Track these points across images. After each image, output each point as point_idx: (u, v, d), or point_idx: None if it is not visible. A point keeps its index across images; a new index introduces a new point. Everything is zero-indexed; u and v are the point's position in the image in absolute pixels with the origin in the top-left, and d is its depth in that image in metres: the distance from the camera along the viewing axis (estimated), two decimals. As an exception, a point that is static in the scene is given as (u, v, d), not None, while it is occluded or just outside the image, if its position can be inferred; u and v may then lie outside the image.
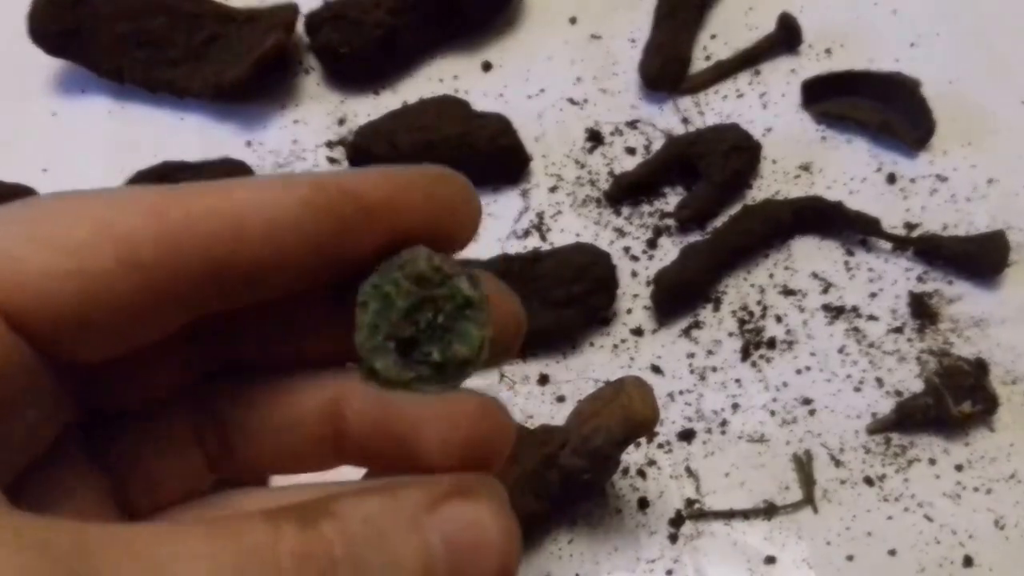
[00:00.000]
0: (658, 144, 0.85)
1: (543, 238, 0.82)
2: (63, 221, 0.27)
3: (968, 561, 0.69)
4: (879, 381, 0.75)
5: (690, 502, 0.71)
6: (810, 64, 0.90)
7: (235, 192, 0.29)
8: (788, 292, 0.79)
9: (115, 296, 0.27)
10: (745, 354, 0.76)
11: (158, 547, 0.24)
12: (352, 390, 0.32)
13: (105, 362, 0.29)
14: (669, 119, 0.87)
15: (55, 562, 0.23)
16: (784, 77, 0.89)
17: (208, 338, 0.33)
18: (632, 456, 0.72)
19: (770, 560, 0.69)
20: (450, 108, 0.84)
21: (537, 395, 0.75)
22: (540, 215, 0.83)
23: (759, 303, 0.79)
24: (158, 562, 0.24)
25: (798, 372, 0.76)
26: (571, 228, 0.82)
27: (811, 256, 0.81)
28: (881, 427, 0.73)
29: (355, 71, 0.89)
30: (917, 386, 0.74)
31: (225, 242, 0.28)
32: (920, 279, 0.79)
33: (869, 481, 0.71)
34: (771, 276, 0.80)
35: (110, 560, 0.24)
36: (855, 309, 0.78)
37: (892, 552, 0.69)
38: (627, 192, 0.83)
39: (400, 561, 0.27)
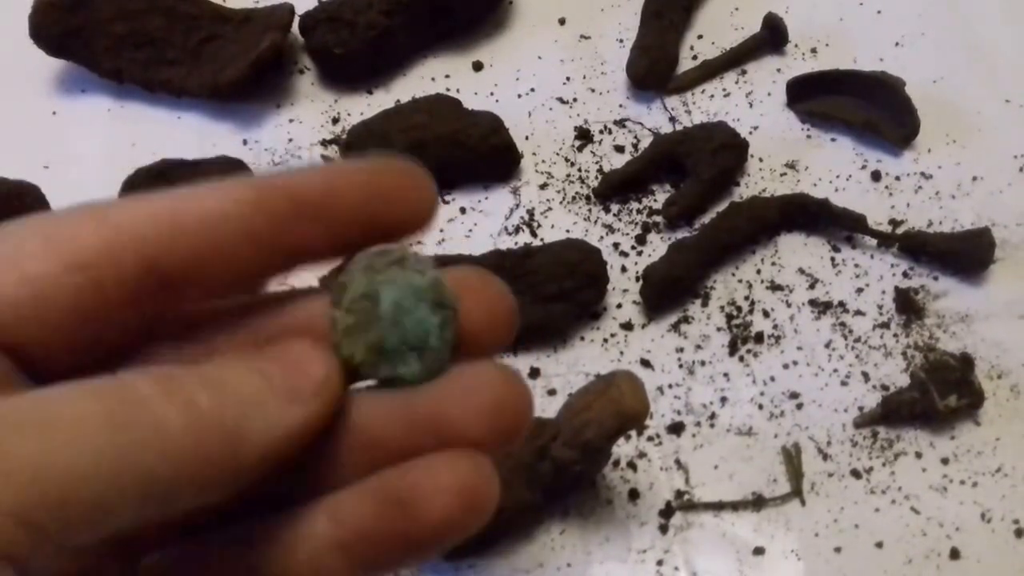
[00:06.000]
0: (646, 142, 0.83)
1: (534, 234, 0.80)
2: (11, 236, 0.29)
3: (955, 553, 0.67)
4: (865, 375, 0.73)
5: (680, 494, 0.69)
6: (795, 64, 0.88)
7: (171, 196, 0.30)
8: (775, 288, 0.77)
9: (63, 296, 0.28)
10: (733, 348, 0.74)
11: (43, 410, 0.25)
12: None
13: (72, 370, 0.29)
14: (657, 118, 0.85)
15: None
16: (770, 76, 0.88)
17: None
18: (622, 448, 0.70)
19: (758, 551, 0.67)
20: (442, 107, 0.82)
21: (529, 386, 0.72)
22: (531, 212, 0.81)
23: (747, 298, 0.77)
24: (43, 424, 0.25)
25: (785, 366, 0.74)
26: (561, 225, 0.80)
27: (798, 252, 0.79)
28: (868, 421, 0.71)
29: (349, 71, 0.87)
30: (903, 380, 0.73)
31: (158, 239, 0.29)
32: (906, 275, 0.77)
33: (856, 474, 0.70)
34: (758, 272, 0.78)
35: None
36: (841, 304, 0.76)
37: (879, 544, 0.67)
38: (616, 189, 0.81)
39: (246, 380, 0.29)
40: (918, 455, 0.70)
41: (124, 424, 0.25)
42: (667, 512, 0.68)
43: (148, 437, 0.26)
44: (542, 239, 0.79)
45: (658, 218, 0.80)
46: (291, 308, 0.32)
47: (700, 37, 0.90)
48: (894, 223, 0.79)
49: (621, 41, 0.89)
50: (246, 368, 0.29)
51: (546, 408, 0.71)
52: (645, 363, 0.74)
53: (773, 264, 0.78)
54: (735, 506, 0.69)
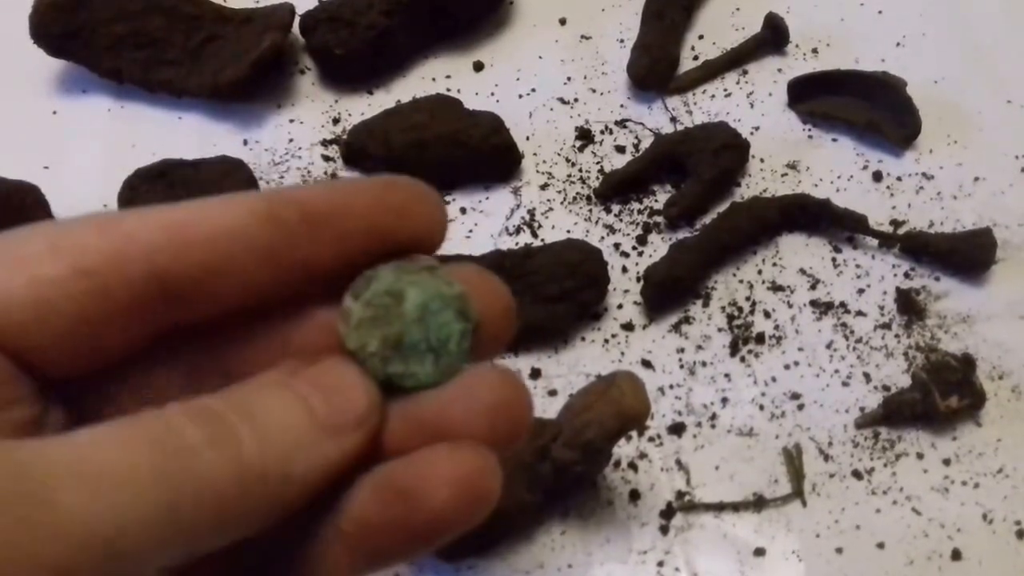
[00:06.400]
0: (647, 143, 0.83)
1: (535, 235, 0.79)
2: (19, 241, 0.28)
3: (956, 554, 0.66)
4: (867, 376, 0.73)
5: (680, 494, 0.69)
6: (796, 64, 0.88)
7: (182, 208, 0.30)
8: (776, 288, 0.76)
9: (69, 301, 0.28)
10: (734, 349, 0.74)
11: (89, 460, 0.25)
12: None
13: (78, 376, 0.30)
14: (658, 118, 0.85)
15: None
16: (771, 76, 0.87)
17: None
18: (623, 449, 0.70)
19: (759, 552, 0.67)
20: (443, 107, 0.82)
21: (529, 389, 0.72)
22: (531, 212, 0.80)
23: (748, 299, 0.76)
24: (90, 476, 0.24)
25: (786, 367, 0.73)
26: (562, 225, 0.80)
27: (799, 253, 0.78)
28: (869, 421, 0.71)
29: (349, 71, 0.87)
30: (904, 381, 0.72)
31: (168, 249, 0.29)
32: (907, 275, 0.77)
33: (857, 475, 0.69)
34: (759, 272, 0.77)
35: (41, 471, 0.24)
36: (843, 305, 0.76)
37: (880, 545, 0.67)
38: (617, 189, 0.81)
39: (290, 414, 0.29)
40: (919, 456, 0.70)
41: (172, 476, 0.25)
42: (668, 513, 0.68)
43: (196, 491, 0.26)
44: (543, 239, 0.79)
45: (659, 218, 0.80)
46: (300, 320, 0.32)
47: (701, 37, 0.90)
48: (895, 223, 0.79)
49: (622, 41, 0.89)
50: (287, 397, 0.29)
51: (547, 409, 0.70)
52: (646, 363, 0.74)
53: (774, 265, 0.78)
54: (736, 507, 0.68)
